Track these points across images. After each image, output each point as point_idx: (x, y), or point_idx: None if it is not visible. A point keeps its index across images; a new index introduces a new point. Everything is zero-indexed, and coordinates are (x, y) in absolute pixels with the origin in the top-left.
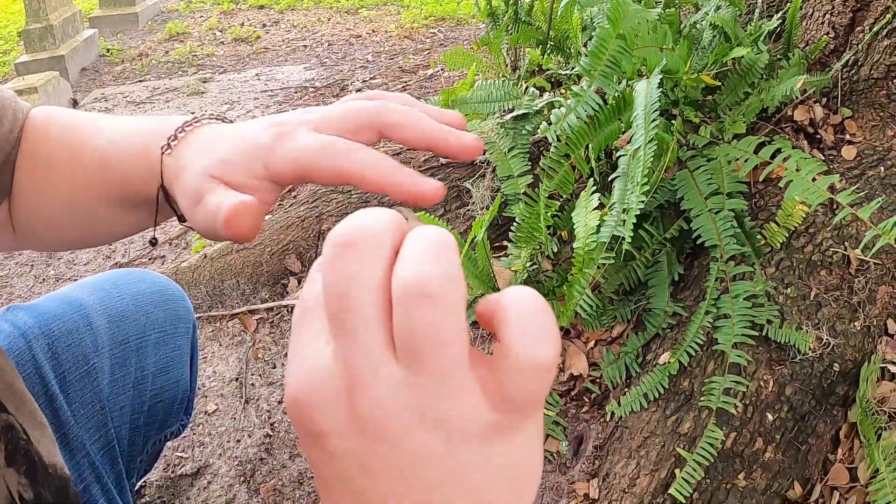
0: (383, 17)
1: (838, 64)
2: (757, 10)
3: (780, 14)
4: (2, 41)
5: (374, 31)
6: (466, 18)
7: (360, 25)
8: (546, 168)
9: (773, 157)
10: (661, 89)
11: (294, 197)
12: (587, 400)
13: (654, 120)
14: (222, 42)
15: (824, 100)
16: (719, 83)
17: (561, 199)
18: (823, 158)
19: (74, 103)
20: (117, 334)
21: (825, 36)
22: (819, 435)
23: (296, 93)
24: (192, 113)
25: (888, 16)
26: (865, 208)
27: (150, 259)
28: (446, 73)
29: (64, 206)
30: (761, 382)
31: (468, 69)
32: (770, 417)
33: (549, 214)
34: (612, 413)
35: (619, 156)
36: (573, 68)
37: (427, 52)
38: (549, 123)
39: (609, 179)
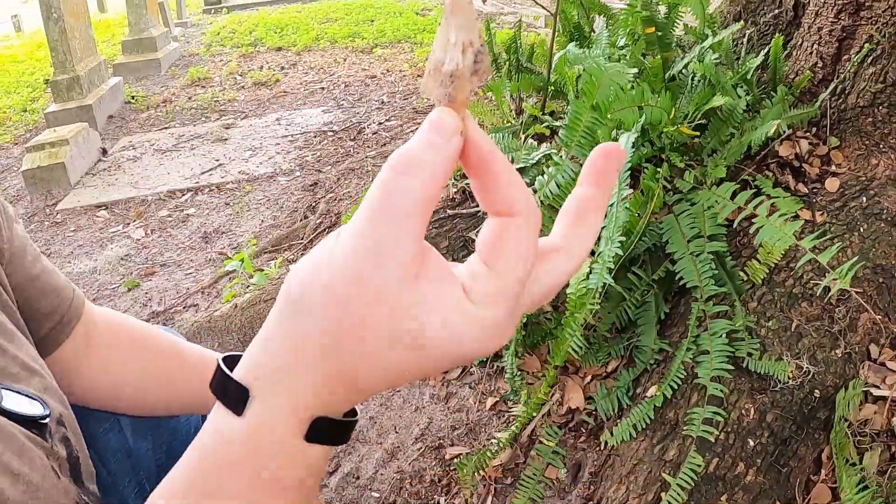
0: (397, 55)
1: (825, 94)
2: (745, 41)
3: (766, 49)
4: (29, 88)
5: (388, 70)
6: None
7: (375, 65)
8: None
9: (748, 201)
10: (640, 145)
11: None
12: (584, 430)
13: (627, 180)
14: (243, 87)
15: (814, 129)
16: (698, 133)
17: None
18: (807, 191)
19: (104, 152)
20: None
21: (808, 71)
22: (801, 458)
23: (315, 137)
24: (218, 160)
25: (868, 45)
26: (825, 253)
27: (184, 307)
28: None
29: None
30: (743, 411)
31: (473, 115)
32: (751, 443)
33: None
34: (606, 442)
35: (609, 204)
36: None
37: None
38: (535, 189)
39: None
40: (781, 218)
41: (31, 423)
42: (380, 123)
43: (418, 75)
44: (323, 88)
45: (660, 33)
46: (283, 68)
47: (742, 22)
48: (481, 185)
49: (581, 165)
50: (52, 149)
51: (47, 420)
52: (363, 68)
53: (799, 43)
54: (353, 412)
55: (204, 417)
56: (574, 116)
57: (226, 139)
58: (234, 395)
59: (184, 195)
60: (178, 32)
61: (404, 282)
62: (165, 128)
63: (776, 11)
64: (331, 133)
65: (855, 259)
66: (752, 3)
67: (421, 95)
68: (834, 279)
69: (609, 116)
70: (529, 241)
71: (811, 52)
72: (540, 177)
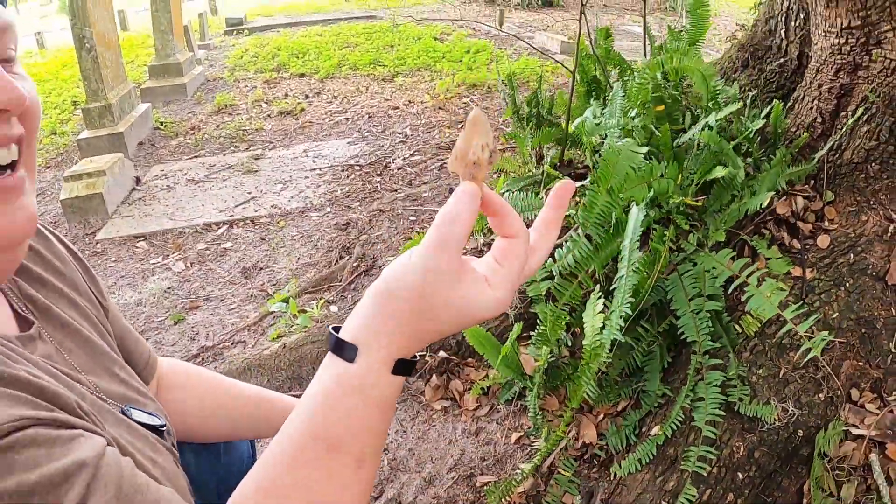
0: (418, 84)
1: (823, 150)
2: (750, 100)
3: (768, 110)
4: (57, 110)
5: (410, 101)
6: (496, 85)
7: (396, 95)
8: (557, 286)
9: (742, 269)
10: (650, 213)
11: (359, 296)
12: (596, 462)
13: (637, 246)
14: (269, 115)
15: (812, 181)
16: (700, 203)
17: (573, 304)
18: (800, 247)
19: (137, 180)
20: None
21: (806, 133)
22: (784, 489)
23: (343, 171)
24: (250, 193)
25: (861, 109)
26: (803, 324)
27: (232, 343)
28: None
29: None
30: (733, 448)
31: (497, 165)
32: (740, 476)
33: (563, 322)
34: (615, 473)
35: (620, 266)
36: (584, 178)
37: (461, 124)
38: (554, 259)
39: (611, 287)
40: (770, 287)
41: (154, 430)
42: (404, 158)
43: (439, 107)
44: (347, 119)
45: (668, 110)
46: (307, 96)
47: (740, 89)
48: (495, 221)
49: (594, 243)
50: (90, 179)
51: (164, 429)
52: (385, 98)
53: (801, 97)
54: (414, 357)
55: (252, 442)
56: (591, 200)
57: (256, 171)
58: (348, 352)
59: (219, 228)
60: (202, 55)
61: (454, 281)
62: (196, 156)
63: (781, 60)
64: (357, 167)
65: (825, 332)
66: (759, 51)
67: (449, 170)
68: (808, 348)
69: (621, 195)
70: (523, 250)
71: (811, 108)
72: (560, 249)
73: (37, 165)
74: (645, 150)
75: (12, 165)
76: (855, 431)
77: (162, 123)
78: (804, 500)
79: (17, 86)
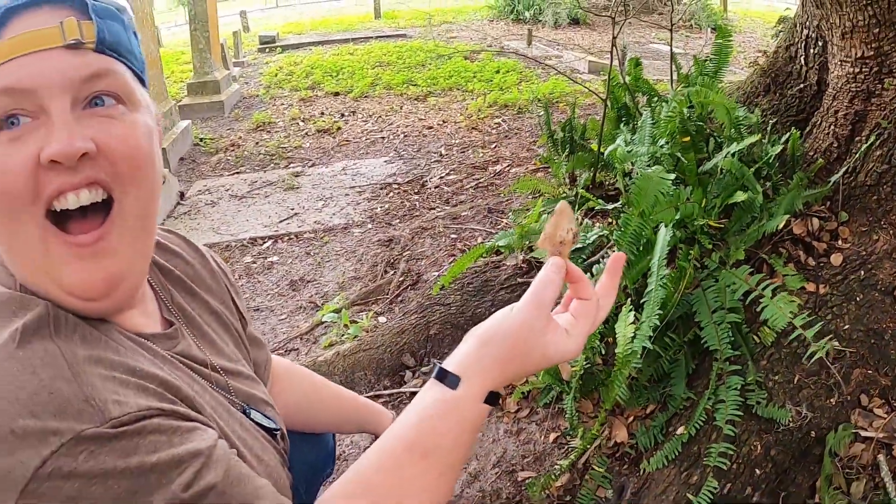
0: (450, 103)
1: (838, 174)
2: (770, 126)
3: (787, 136)
4: None
5: (444, 121)
6: (527, 105)
7: (430, 115)
8: None
9: (758, 283)
10: (676, 234)
11: (406, 308)
12: (627, 460)
13: (665, 263)
14: (307, 133)
15: (828, 202)
16: (722, 225)
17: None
18: (815, 265)
19: (181, 195)
20: None
21: (821, 158)
22: (798, 484)
23: (381, 189)
24: (293, 209)
25: (873, 137)
26: (810, 329)
27: (286, 351)
28: (512, 169)
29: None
30: (752, 447)
31: (533, 186)
32: (758, 472)
33: (597, 332)
34: (644, 469)
35: (649, 282)
36: (616, 200)
37: (494, 144)
38: (592, 274)
39: (641, 301)
40: (783, 299)
41: (268, 432)
42: (441, 177)
43: (473, 127)
44: (383, 138)
45: (693, 140)
46: (342, 115)
47: (761, 113)
48: (574, 288)
49: (631, 260)
50: None
51: (278, 433)
52: (419, 118)
53: (818, 122)
54: (501, 391)
55: (333, 434)
56: (625, 222)
57: (297, 187)
58: (451, 380)
59: (265, 242)
60: (237, 72)
61: (543, 332)
62: (237, 172)
63: (801, 86)
64: (395, 185)
65: (829, 337)
66: (780, 76)
67: (538, 248)
68: (815, 350)
69: (652, 217)
70: (594, 310)
71: (828, 133)
72: (598, 265)
73: (151, 216)
74: (673, 176)
75: (97, 222)
76: (864, 434)
77: (202, 140)
78: (816, 496)
79: (76, 139)
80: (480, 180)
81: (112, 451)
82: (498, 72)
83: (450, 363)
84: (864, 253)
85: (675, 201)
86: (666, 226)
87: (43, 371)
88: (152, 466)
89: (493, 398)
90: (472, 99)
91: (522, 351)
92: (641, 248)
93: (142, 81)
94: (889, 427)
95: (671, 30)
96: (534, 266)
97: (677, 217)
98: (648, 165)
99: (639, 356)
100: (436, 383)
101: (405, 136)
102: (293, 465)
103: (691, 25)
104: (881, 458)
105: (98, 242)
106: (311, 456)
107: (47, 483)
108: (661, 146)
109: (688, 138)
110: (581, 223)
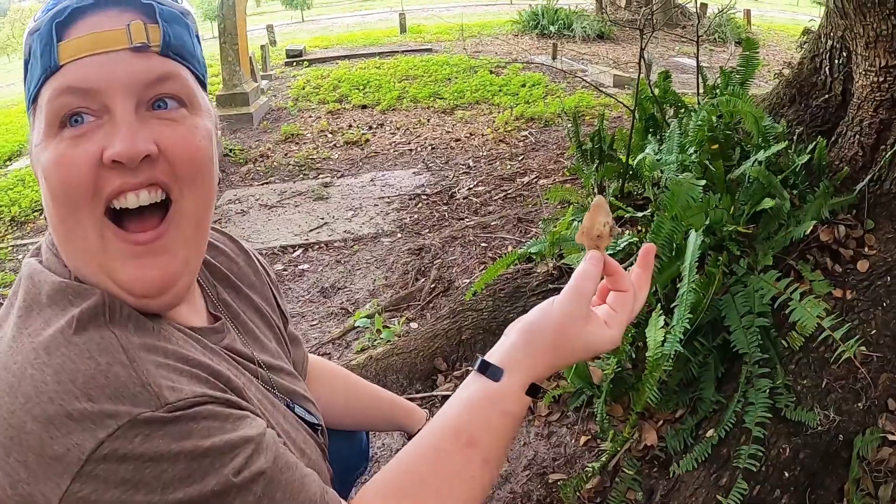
0: (477, 116)
1: (864, 182)
2: (796, 136)
3: (813, 145)
4: None
5: (471, 134)
6: (553, 118)
7: (457, 127)
8: None
9: (787, 287)
10: (705, 240)
11: (438, 314)
12: (657, 463)
13: (696, 274)
14: (335, 145)
15: (854, 211)
16: (751, 231)
17: (637, 320)
18: (841, 271)
19: None
20: None
21: (847, 167)
22: (826, 487)
23: (410, 200)
24: (322, 218)
25: None
26: (839, 331)
27: (318, 355)
28: (540, 181)
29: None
30: (780, 449)
31: (563, 196)
32: (786, 474)
33: (629, 335)
34: (674, 472)
35: (679, 286)
36: (644, 208)
37: (521, 157)
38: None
39: (671, 305)
40: (811, 302)
41: (310, 426)
42: (469, 189)
43: (500, 140)
44: (411, 150)
45: (722, 148)
46: (370, 127)
47: (787, 125)
48: (611, 280)
49: (663, 262)
50: None
51: (319, 428)
52: (447, 130)
53: (843, 132)
54: (542, 383)
55: (366, 433)
56: (657, 226)
57: (326, 198)
58: (493, 372)
59: (295, 251)
60: (265, 85)
61: (584, 323)
62: (266, 183)
63: (826, 96)
64: (424, 196)
65: (858, 336)
66: (805, 87)
67: (576, 242)
68: (843, 351)
69: (683, 223)
70: (631, 301)
71: (853, 142)
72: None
73: (207, 217)
74: (703, 182)
75: (155, 221)
76: (891, 438)
77: (231, 151)
78: (844, 499)
79: (139, 141)
80: (509, 191)
81: (166, 434)
82: (524, 85)
83: (492, 356)
84: (889, 259)
85: (704, 207)
86: (696, 231)
87: (100, 356)
88: (205, 451)
89: (534, 390)
90: (499, 112)
91: (564, 342)
92: (672, 254)
93: (203, 85)
94: None
95: (697, 42)
96: (564, 273)
97: (707, 223)
98: (678, 173)
99: (669, 360)
100: (479, 376)
101: (433, 148)
102: (330, 460)
103: (716, 39)
104: None
105: (155, 241)
106: (344, 453)
107: (102, 465)
108: (690, 154)
109: (716, 146)
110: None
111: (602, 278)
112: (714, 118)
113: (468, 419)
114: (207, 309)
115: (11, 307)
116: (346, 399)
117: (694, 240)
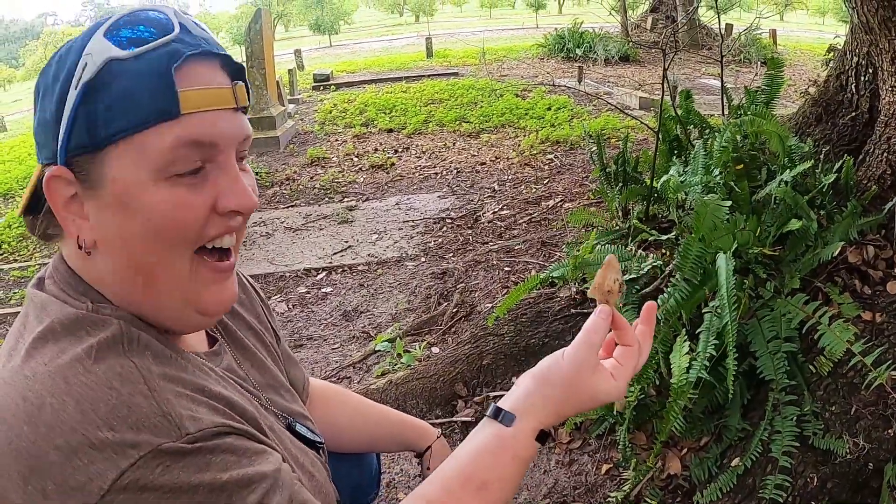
0: (503, 140)
1: (893, 202)
2: (823, 155)
3: (840, 164)
4: None
5: (496, 157)
6: (579, 141)
7: (483, 151)
8: None
9: (815, 311)
10: (733, 263)
11: (459, 339)
12: (680, 493)
13: (735, 301)
14: (360, 169)
15: (882, 231)
16: (777, 253)
17: (665, 348)
18: (871, 293)
19: None
20: None
21: (875, 186)
22: None
23: (435, 223)
24: (347, 241)
25: None
26: (869, 356)
27: (338, 379)
28: (566, 204)
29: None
30: (808, 479)
31: (587, 219)
32: None
33: (654, 362)
34: (698, 502)
35: (705, 312)
36: (669, 231)
37: (546, 180)
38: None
39: (696, 331)
40: (840, 326)
41: (313, 445)
42: (494, 212)
43: (525, 164)
44: (436, 174)
45: (747, 169)
46: (396, 151)
47: (814, 144)
48: (618, 334)
49: (692, 285)
50: None
51: (322, 447)
52: (472, 154)
53: (871, 150)
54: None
55: (377, 457)
56: (685, 248)
57: (351, 221)
58: (506, 418)
59: (319, 273)
60: (292, 109)
61: (592, 373)
62: (292, 206)
63: (853, 114)
64: (449, 220)
65: (889, 362)
66: (832, 105)
67: (588, 296)
68: (875, 376)
69: (711, 244)
70: (636, 355)
71: (881, 160)
72: (662, 295)
73: None
74: (729, 203)
75: (228, 251)
76: None
77: (257, 173)
78: None
79: (251, 192)
80: (533, 215)
81: (187, 466)
82: (549, 109)
83: (505, 402)
84: None
85: (732, 228)
86: (724, 253)
87: (121, 386)
88: (223, 484)
89: (542, 436)
90: (525, 136)
91: (574, 392)
92: (699, 279)
93: None
94: None
95: (721, 61)
96: (587, 297)
97: (734, 245)
98: (703, 194)
99: (693, 386)
100: (491, 421)
101: (458, 171)
102: (337, 488)
103: (741, 60)
104: None
105: (232, 268)
106: (354, 478)
107: (122, 495)
108: (715, 175)
109: (741, 166)
110: (636, 254)
111: (609, 331)
112: (739, 138)
113: (480, 464)
114: (206, 331)
115: (21, 336)
116: (353, 420)
117: (724, 263)
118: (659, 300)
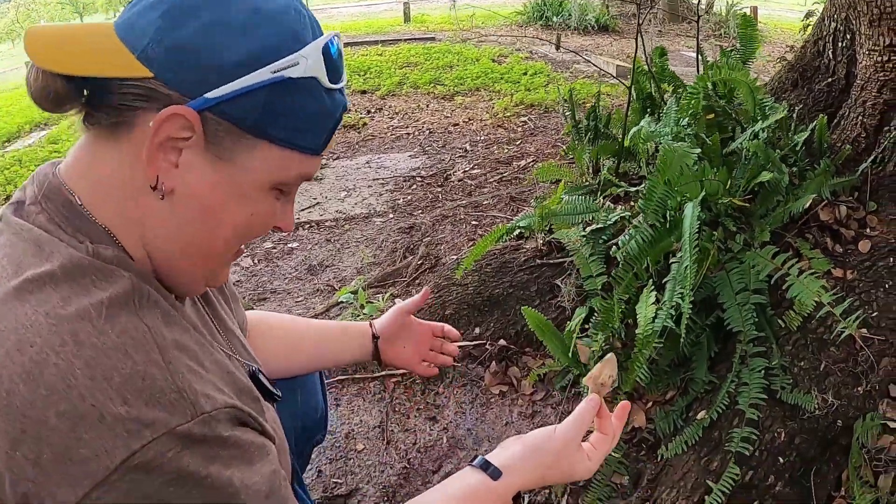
0: (477, 103)
1: (866, 164)
2: (797, 114)
3: (813, 124)
4: None
5: (470, 119)
6: (553, 105)
7: (457, 113)
8: (616, 277)
9: (784, 262)
10: (701, 213)
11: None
12: (644, 446)
13: (696, 246)
14: None
15: (856, 193)
16: (748, 204)
17: (628, 296)
18: (842, 251)
19: None
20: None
21: (849, 146)
22: (823, 475)
23: (405, 181)
24: (315, 199)
25: None
26: (839, 307)
27: None
28: (537, 164)
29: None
30: (775, 434)
31: (556, 175)
32: (781, 460)
33: (619, 310)
34: (662, 455)
35: (672, 262)
36: (639, 185)
37: (519, 141)
38: (618, 246)
39: (663, 281)
40: (809, 278)
41: (271, 397)
42: (465, 171)
43: (498, 125)
44: (408, 134)
45: (718, 119)
46: (369, 112)
47: (784, 105)
48: (599, 421)
49: (657, 231)
50: None
51: (279, 400)
52: (445, 115)
53: (846, 114)
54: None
55: (324, 397)
56: (650, 189)
57: (320, 178)
58: (494, 472)
59: None
60: None
61: (576, 452)
62: None
63: (829, 80)
64: (419, 178)
65: (860, 311)
66: (808, 71)
67: (583, 383)
68: (844, 327)
69: (676, 189)
70: (610, 443)
71: (856, 123)
72: (623, 237)
73: None
74: (698, 150)
75: None
76: (892, 425)
77: None
78: (843, 488)
79: (293, 218)
80: (504, 174)
81: (196, 454)
82: (525, 73)
83: (496, 459)
84: (893, 240)
85: (700, 176)
86: (692, 200)
87: (136, 353)
88: (227, 481)
89: (518, 497)
90: (499, 98)
91: (559, 463)
92: (666, 226)
93: None
94: None
95: (698, 19)
96: (554, 248)
97: (702, 194)
98: (672, 143)
99: (659, 336)
100: (478, 471)
101: (430, 132)
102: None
103: (721, 34)
104: None
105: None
106: (300, 421)
107: (129, 476)
108: (685, 127)
109: (712, 115)
110: (603, 205)
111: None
112: (709, 85)
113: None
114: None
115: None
116: (287, 345)
117: (691, 212)
118: (619, 242)
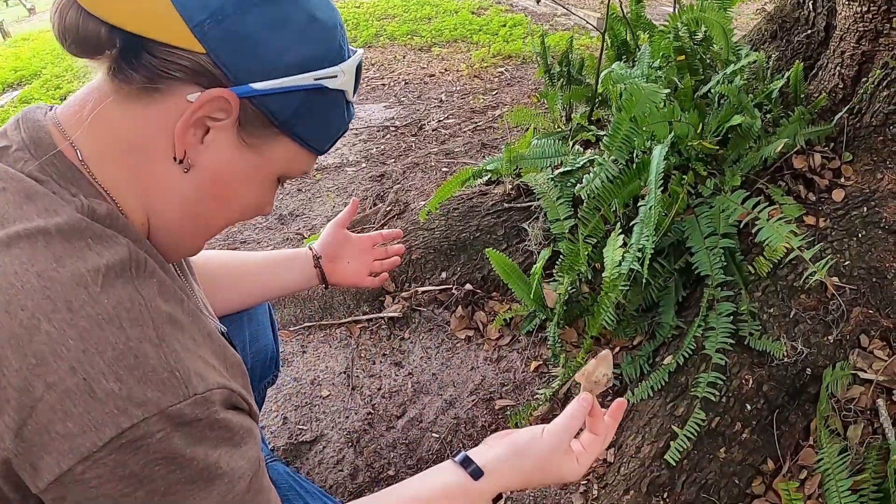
0: (454, 54)
1: (842, 112)
2: (772, 63)
3: (789, 73)
4: None
5: (446, 70)
6: (531, 56)
7: (433, 64)
8: (582, 218)
9: (754, 206)
10: (670, 156)
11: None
12: (610, 391)
13: (660, 185)
14: None
15: (832, 144)
16: (718, 148)
17: (595, 239)
18: (815, 200)
19: None
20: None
21: (826, 94)
22: (791, 424)
23: (378, 132)
24: None
25: (881, 71)
26: (808, 251)
27: None
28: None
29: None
30: (742, 380)
31: (529, 122)
32: (748, 407)
33: (586, 253)
34: (628, 400)
35: (640, 205)
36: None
37: (495, 91)
38: (582, 185)
39: (630, 224)
40: (780, 221)
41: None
42: (439, 121)
43: (475, 76)
44: (384, 85)
45: (689, 60)
46: None
47: (761, 53)
48: (590, 421)
49: (620, 167)
50: None
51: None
52: (422, 66)
53: (825, 64)
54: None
55: (276, 344)
56: (615, 126)
57: None
58: (475, 471)
59: None
60: None
61: (563, 455)
62: None
63: (808, 32)
64: (393, 128)
65: (830, 255)
66: (787, 23)
67: (574, 381)
68: (813, 272)
69: (644, 128)
70: (601, 444)
71: (834, 74)
72: (586, 176)
73: None
74: (667, 91)
75: None
76: (863, 376)
77: None
78: (811, 437)
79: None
80: (479, 124)
81: (185, 435)
82: (504, 25)
83: (478, 458)
84: (867, 190)
85: (668, 116)
86: (660, 142)
87: (130, 328)
88: (213, 462)
89: (499, 497)
90: (477, 50)
91: (543, 468)
92: (634, 168)
93: None
94: (889, 370)
95: None
96: (522, 192)
97: (671, 135)
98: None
99: (627, 280)
100: (459, 468)
101: (406, 83)
102: None
103: None
104: (880, 402)
105: None
106: (249, 360)
107: (116, 453)
108: (656, 69)
109: (683, 56)
110: (573, 148)
111: None
112: (680, 25)
113: (445, 501)
114: None
115: None
116: (230, 275)
117: (659, 153)
118: (584, 180)
